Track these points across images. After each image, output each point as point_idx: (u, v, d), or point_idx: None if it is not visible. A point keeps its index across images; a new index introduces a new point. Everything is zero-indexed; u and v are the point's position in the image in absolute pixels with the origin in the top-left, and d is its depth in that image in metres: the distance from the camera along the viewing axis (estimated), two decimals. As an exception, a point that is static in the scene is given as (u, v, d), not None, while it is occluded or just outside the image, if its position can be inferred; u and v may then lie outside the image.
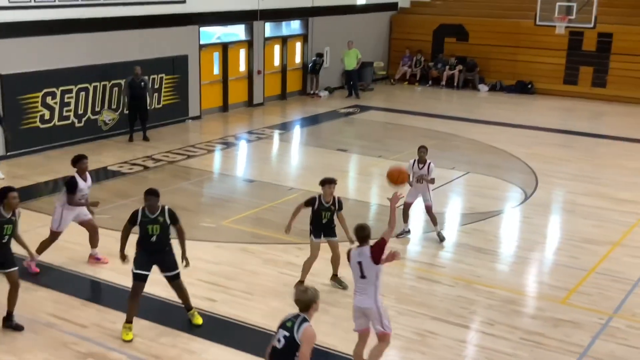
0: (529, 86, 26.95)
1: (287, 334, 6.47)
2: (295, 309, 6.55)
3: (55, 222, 10.89)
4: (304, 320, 6.51)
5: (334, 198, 10.34)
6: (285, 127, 21.46)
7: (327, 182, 10.26)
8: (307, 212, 10.50)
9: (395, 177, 9.98)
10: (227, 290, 10.34)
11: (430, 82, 28.20)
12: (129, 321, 8.99)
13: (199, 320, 9.33)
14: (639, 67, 25.09)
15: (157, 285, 9.35)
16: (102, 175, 15.76)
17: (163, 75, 19.99)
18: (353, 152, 18.63)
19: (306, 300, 6.59)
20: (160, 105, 20.11)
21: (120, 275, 10.36)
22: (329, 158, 17.78)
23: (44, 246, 10.98)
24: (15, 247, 9.35)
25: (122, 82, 18.53)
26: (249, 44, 23.05)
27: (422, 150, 12.15)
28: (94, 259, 11.18)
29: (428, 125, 21.42)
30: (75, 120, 18.05)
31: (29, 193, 14.42)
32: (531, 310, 10.08)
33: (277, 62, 24.70)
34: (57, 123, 17.59)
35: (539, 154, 18.35)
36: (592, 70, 25.99)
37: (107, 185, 14.99)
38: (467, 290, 10.51)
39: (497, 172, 16.68)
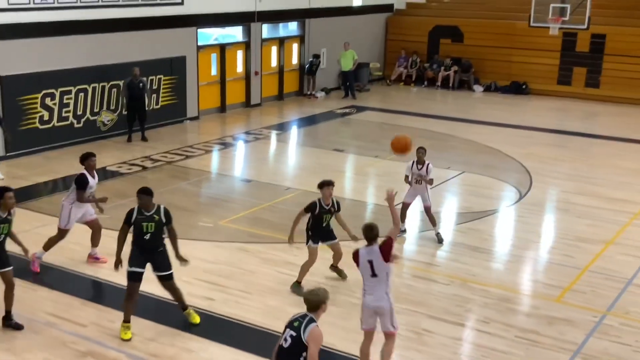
0: (524, 87, 27.08)
1: (293, 333, 6.46)
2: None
3: (63, 219, 10.90)
4: (311, 320, 6.51)
5: (332, 200, 10.37)
6: (282, 128, 21.52)
7: (326, 184, 10.26)
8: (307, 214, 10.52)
9: (401, 147, 10.67)
10: (225, 289, 10.37)
11: (425, 83, 28.29)
12: (126, 320, 9.02)
13: (196, 319, 9.34)
14: (631, 68, 25.24)
15: (155, 284, 9.33)
16: (101, 175, 15.54)
17: (161, 76, 20.05)
18: (349, 152, 18.68)
19: (316, 301, 6.59)
20: (159, 106, 20.18)
21: (119, 274, 10.29)
22: (326, 158, 17.83)
23: (51, 243, 11.01)
24: (14, 247, 9.40)
25: (121, 83, 18.57)
26: (247, 45, 23.12)
27: (421, 151, 12.21)
28: (93, 259, 11.20)
29: (424, 126, 21.47)
30: (75, 121, 18.11)
31: (29, 193, 14.49)
32: (526, 308, 10.15)
33: (274, 63, 24.77)
34: (56, 124, 17.65)
35: (534, 154, 18.43)
36: (586, 71, 26.12)
37: (106, 186, 15.03)
38: (462, 288, 10.57)
39: (492, 172, 16.75)
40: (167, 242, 9.15)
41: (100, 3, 18.19)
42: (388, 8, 29.80)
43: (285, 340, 6.48)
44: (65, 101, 17.76)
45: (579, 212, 14.10)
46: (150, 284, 9.29)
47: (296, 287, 10.33)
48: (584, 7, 22.45)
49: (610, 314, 9.88)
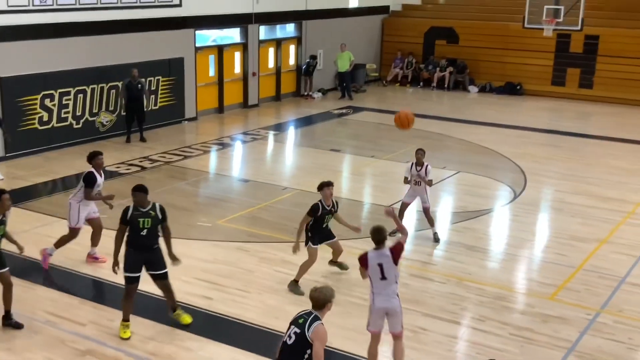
0: (518, 87, 27.22)
1: (298, 330, 6.45)
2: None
3: (73, 219, 10.90)
4: (316, 318, 6.50)
5: (332, 200, 10.41)
6: (279, 128, 21.57)
7: (326, 185, 10.26)
8: (301, 214, 10.53)
9: (404, 123, 11.32)
10: (223, 288, 10.41)
11: (421, 84, 28.40)
12: (126, 319, 9.03)
13: (187, 320, 9.28)
14: (624, 69, 25.40)
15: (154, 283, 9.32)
16: None
17: (160, 77, 20.11)
18: (346, 153, 18.74)
19: (322, 299, 6.57)
20: (157, 107, 20.24)
21: (117, 274, 10.45)
22: (323, 158, 17.89)
23: (62, 241, 11.03)
24: (12, 248, 9.43)
25: (120, 84, 18.62)
26: (244, 46, 23.20)
27: (420, 152, 12.28)
28: (92, 258, 11.20)
29: (419, 126, 21.22)
30: (74, 122, 18.17)
31: (28, 194, 14.56)
32: (521, 306, 10.20)
33: (271, 64, 24.85)
34: (55, 125, 17.71)
35: (528, 154, 18.52)
36: (579, 71, 26.28)
37: (104, 186, 15.08)
38: (458, 287, 10.62)
39: (487, 172, 16.82)
40: (160, 241, 9.13)
41: (99, 5, 18.26)
42: (384, 10, 29.91)
43: (290, 337, 6.48)
44: (64, 102, 17.82)
45: (573, 211, 14.15)
46: (150, 284, 9.27)
47: (293, 285, 10.38)
48: (577, 9, 22.54)
49: (603, 312, 9.94)
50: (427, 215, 12.45)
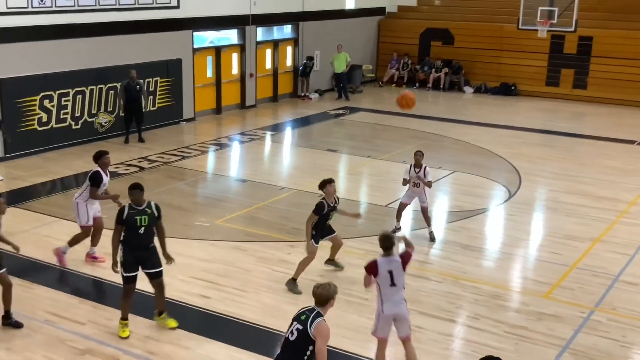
0: (513, 88, 27.33)
1: (300, 327, 6.43)
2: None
3: (83, 217, 10.92)
4: (318, 315, 6.48)
5: (335, 196, 10.47)
6: (276, 129, 21.61)
7: (327, 183, 10.30)
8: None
9: (405, 104, 11.92)
10: (221, 287, 10.45)
11: (417, 85, 28.45)
12: (124, 318, 9.05)
13: (173, 324, 9.23)
14: (618, 70, 25.54)
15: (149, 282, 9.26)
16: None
17: (158, 78, 20.18)
18: (343, 153, 18.79)
19: (325, 295, 6.56)
20: (155, 108, 20.29)
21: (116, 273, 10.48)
22: (320, 158, 17.96)
23: (76, 240, 11.03)
24: (21, 248, 9.44)
25: (118, 85, 18.67)
26: (242, 47, 23.26)
27: (419, 154, 12.38)
28: (91, 258, 11.21)
29: (415, 126, 21.59)
30: (72, 123, 18.22)
31: (27, 194, 14.62)
32: (515, 304, 10.27)
33: (268, 65, 24.91)
34: (54, 125, 17.76)
35: (523, 154, 18.60)
36: (573, 72, 26.40)
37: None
38: (454, 286, 10.69)
39: (482, 171, 16.90)
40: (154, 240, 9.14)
41: (97, 7, 18.33)
42: (380, 11, 30.01)
43: (292, 333, 6.47)
44: (63, 103, 17.88)
45: (567, 211, 14.22)
46: (148, 283, 9.25)
47: (292, 284, 10.44)
48: (571, 10, 22.66)
49: (597, 310, 10.01)
50: (425, 215, 12.53)
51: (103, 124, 19.01)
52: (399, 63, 29.12)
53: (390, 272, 7.80)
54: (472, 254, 12.03)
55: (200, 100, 22.12)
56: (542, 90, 26.95)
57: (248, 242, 12.21)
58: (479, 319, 9.70)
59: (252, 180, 16.11)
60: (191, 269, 10.93)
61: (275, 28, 25.12)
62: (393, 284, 7.81)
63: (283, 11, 24.56)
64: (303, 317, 6.50)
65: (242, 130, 21.15)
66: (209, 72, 22.57)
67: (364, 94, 27.23)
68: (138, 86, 18.49)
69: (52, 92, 17.58)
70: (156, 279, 9.05)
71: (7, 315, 9.17)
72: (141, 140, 18.91)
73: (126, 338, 8.93)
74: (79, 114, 18.35)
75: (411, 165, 12.41)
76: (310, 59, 25.92)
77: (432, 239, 12.50)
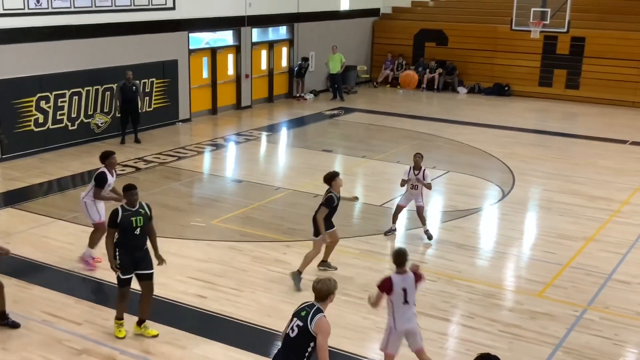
0: (506, 88, 27.44)
1: (300, 323, 6.39)
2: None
3: (94, 215, 10.88)
4: (318, 310, 6.43)
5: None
6: (272, 129, 21.66)
7: (337, 175, 10.46)
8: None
9: (407, 83, 11.57)
10: (217, 287, 10.46)
11: (411, 85, 28.68)
12: (119, 318, 9.02)
13: (154, 332, 9.08)
14: (610, 70, 25.68)
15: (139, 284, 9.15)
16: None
17: (154, 79, 20.21)
18: (338, 153, 18.85)
19: (325, 290, 6.50)
20: (151, 109, 20.32)
21: (112, 273, 10.17)
22: (315, 159, 18.00)
23: (96, 239, 10.98)
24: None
25: (114, 86, 18.71)
26: (237, 48, 23.29)
27: (418, 156, 12.43)
28: (85, 262, 11.10)
29: (410, 127, 21.66)
30: (69, 124, 18.23)
31: (24, 195, 14.63)
32: (509, 303, 10.31)
33: (264, 66, 24.95)
34: (51, 126, 17.77)
35: (516, 154, 18.67)
36: (566, 73, 26.53)
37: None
38: (448, 285, 10.72)
39: (476, 171, 16.96)
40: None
41: (93, 8, 18.35)
42: (374, 12, 30.10)
43: (292, 330, 6.42)
44: (59, 104, 17.89)
45: (560, 210, 14.26)
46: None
47: (296, 276, 10.49)
48: (564, 11, 22.75)
49: (590, 309, 10.05)
50: (420, 214, 12.55)
51: (99, 124, 19.04)
52: (393, 64, 29.21)
53: (405, 290, 7.66)
54: (466, 253, 12.07)
55: (196, 101, 22.14)
56: (535, 90, 27.09)
57: (244, 242, 12.23)
58: (473, 317, 9.74)
59: (248, 180, 16.14)
60: (187, 269, 10.95)
61: (270, 29, 25.17)
62: (406, 301, 7.68)
63: (278, 12, 24.59)
64: (303, 314, 6.44)
65: (237, 130, 21.17)
66: (205, 73, 22.60)
67: (358, 95, 27.30)
68: (134, 87, 18.52)
69: (48, 93, 17.60)
70: (148, 280, 8.96)
71: (3, 315, 9.14)
72: (137, 140, 18.93)
73: (122, 338, 8.91)
74: (75, 115, 18.37)
75: (410, 167, 12.46)
76: (306, 59, 25.96)
77: (429, 237, 12.52)
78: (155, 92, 20.41)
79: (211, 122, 22.27)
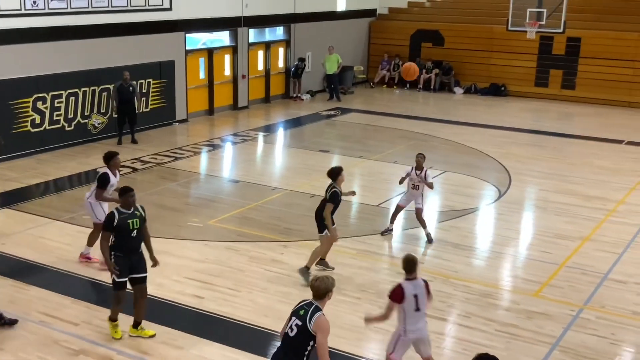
0: (502, 89, 27.50)
1: (299, 322, 6.37)
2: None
3: (100, 215, 10.69)
4: (317, 309, 6.41)
5: None
6: (269, 130, 21.66)
7: (341, 170, 10.59)
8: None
9: (408, 74, 14.30)
10: (214, 287, 10.46)
11: (407, 85, 28.55)
12: (114, 319, 8.98)
13: (151, 332, 9.07)
14: (606, 70, 25.75)
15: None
16: (91, 177, 15.70)
17: (151, 80, 20.22)
18: (335, 153, 18.83)
19: (323, 288, 6.46)
20: (148, 109, 20.33)
21: (109, 273, 10.13)
22: (312, 159, 18.00)
23: (95, 239, 10.85)
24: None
25: (111, 87, 18.71)
26: (234, 49, 23.31)
27: (420, 156, 12.46)
28: (85, 258, 11.18)
29: (406, 127, 21.69)
30: (66, 124, 18.24)
31: (21, 195, 14.62)
32: (506, 303, 10.31)
33: (260, 66, 24.98)
34: (47, 127, 17.78)
35: (512, 154, 18.71)
36: (562, 73, 26.58)
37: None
38: (445, 284, 10.72)
39: (473, 171, 16.99)
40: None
41: (90, 9, 18.36)
42: (371, 13, 30.15)
43: (291, 329, 6.41)
44: (56, 105, 17.90)
45: (556, 210, 14.28)
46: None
47: (304, 272, 10.55)
48: (560, 12, 22.79)
49: (586, 308, 10.07)
50: (419, 217, 12.53)
51: (96, 125, 19.04)
52: (390, 64, 29.24)
53: (416, 297, 7.53)
54: (463, 253, 12.09)
55: (193, 102, 22.15)
56: (531, 90, 27.14)
57: (241, 243, 12.23)
58: (469, 317, 9.75)
59: (245, 180, 16.15)
60: (184, 270, 10.96)
61: (267, 30, 25.19)
62: (418, 308, 7.55)
63: (275, 13, 24.62)
64: (302, 312, 6.42)
65: (234, 131, 21.17)
66: (202, 74, 22.61)
67: (355, 95, 27.32)
68: (131, 88, 18.52)
69: (45, 94, 17.60)
70: (141, 284, 8.91)
71: None
72: (134, 141, 18.94)
73: (119, 339, 8.91)
74: (72, 116, 18.37)
75: (412, 167, 12.48)
76: (302, 60, 26.00)
77: (429, 240, 12.50)
78: (152, 92, 20.41)
79: (208, 123, 22.27)
